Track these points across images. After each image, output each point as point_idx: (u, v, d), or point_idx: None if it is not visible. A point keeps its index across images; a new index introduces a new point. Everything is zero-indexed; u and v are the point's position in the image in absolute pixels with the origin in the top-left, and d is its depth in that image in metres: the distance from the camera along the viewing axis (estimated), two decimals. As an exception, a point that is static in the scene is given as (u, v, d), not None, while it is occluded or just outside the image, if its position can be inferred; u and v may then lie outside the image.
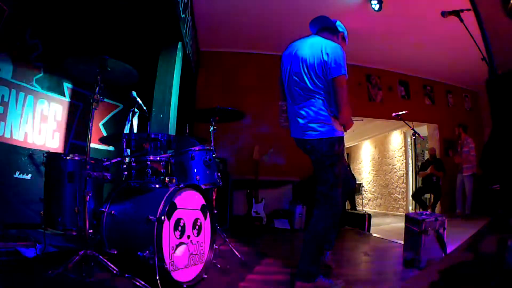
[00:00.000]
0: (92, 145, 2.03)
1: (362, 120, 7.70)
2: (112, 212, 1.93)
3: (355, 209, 7.38)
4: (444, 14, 2.57)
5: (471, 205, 5.42)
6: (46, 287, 1.57)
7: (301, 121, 1.89)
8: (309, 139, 1.86)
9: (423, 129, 6.93)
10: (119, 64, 1.87)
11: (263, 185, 5.05)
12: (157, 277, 1.62)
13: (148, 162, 2.20)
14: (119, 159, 2.15)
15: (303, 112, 1.89)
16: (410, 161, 7.95)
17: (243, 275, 2.13)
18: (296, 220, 4.81)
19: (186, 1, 3.68)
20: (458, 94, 7.08)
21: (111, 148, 3.71)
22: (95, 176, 1.83)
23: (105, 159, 2.06)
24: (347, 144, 10.36)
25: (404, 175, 8.06)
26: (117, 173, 2.19)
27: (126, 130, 2.52)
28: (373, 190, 9.81)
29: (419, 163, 6.69)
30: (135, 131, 2.54)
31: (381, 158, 9.36)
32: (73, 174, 1.97)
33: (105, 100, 2.63)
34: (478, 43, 2.11)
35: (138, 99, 2.49)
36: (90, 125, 1.85)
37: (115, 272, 1.72)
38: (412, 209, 7.03)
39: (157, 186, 2.03)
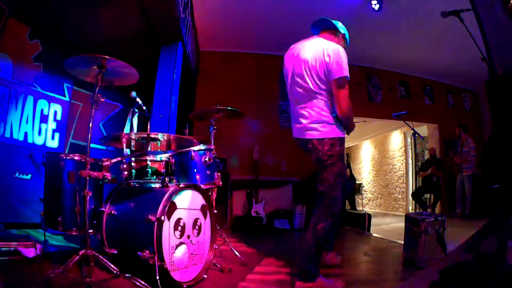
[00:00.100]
0: (92, 145, 2.03)
1: (364, 121, 7.71)
2: (112, 212, 1.93)
3: (355, 209, 7.38)
4: (444, 14, 2.57)
5: (471, 205, 5.42)
6: (46, 287, 1.57)
7: (303, 121, 1.91)
8: (310, 138, 1.88)
9: (423, 129, 6.93)
10: (119, 64, 1.87)
11: (263, 185, 5.05)
12: (157, 277, 1.62)
13: (148, 162, 2.20)
14: (119, 159, 2.15)
15: (305, 113, 1.90)
16: (410, 161, 7.95)
17: (243, 275, 2.13)
18: (296, 220, 4.81)
19: (186, 1, 3.68)
20: (458, 94, 7.08)
21: (111, 148, 3.71)
22: (95, 176, 1.83)
23: (105, 159, 2.06)
24: (347, 144, 10.33)
25: (404, 175, 8.06)
26: (117, 173, 2.19)
27: (126, 130, 2.52)
28: (373, 190, 9.81)
29: (419, 163, 6.68)
30: (135, 131, 2.54)
31: (381, 158, 9.36)
32: (73, 174, 1.97)
33: (105, 100, 2.60)
34: (478, 43, 2.10)
35: (138, 99, 2.49)
36: (90, 125, 1.85)
37: (115, 272, 1.72)
38: (412, 209, 7.03)
39: (157, 186, 2.03)
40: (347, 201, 6.63)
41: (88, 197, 1.77)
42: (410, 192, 7.21)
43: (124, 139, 2.28)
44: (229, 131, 5.07)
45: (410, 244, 2.45)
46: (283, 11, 4.55)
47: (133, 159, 2.20)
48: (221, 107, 2.63)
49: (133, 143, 2.32)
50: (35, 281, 1.59)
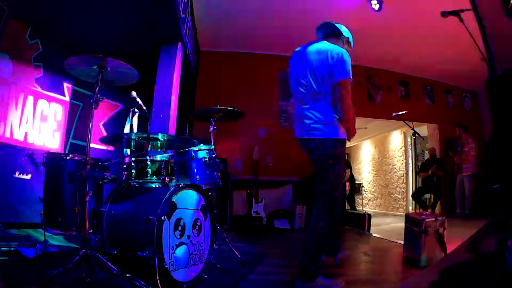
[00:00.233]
0: (92, 145, 2.03)
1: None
2: (112, 212, 1.93)
3: (355, 209, 7.38)
4: (444, 14, 2.57)
5: (471, 205, 5.42)
6: (46, 287, 1.57)
7: (306, 121, 1.94)
8: (313, 138, 1.91)
9: (423, 129, 6.93)
10: (119, 64, 1.87)
11: (263, 185, 5.04)
12: (157, 277, 1.62)
13: (148, 162, 2.20)
14: (119, 159, 2.15)
15: (309, 114, 1.94)
16: (410, 161, 7.95)
17: (243, 275, 2.13)
18: (296, 220, 4.81)
19: (186, 1, 3.68)
20: (458, 94, 7.08)
21: (111, 148, 3.71)
22: (95, 176, 1.83)
23: (105, 159, 2.07)
24: (347, 143, 10.32)
25: (404, 175, 8.06)
26: (117, 173, 2.19)
27: (126, 130, 2.52)
28: (373, 190, 9.81)
29: (419, 163, 6.68)
30: (135, 131, 2.54)
31: (381, 158, 9.36)
32: (73, 174, 1.97)
33: (105, 100, 2.61)
34: (478, 43, 2.11)
35: (138, 99, 2.49)
36: (90, 125, 1.85)
37: (115, 272, 1.72)
38: (412, 209, 7.02)
39: (157, 186, 2.03)
40: (347, 201, 6.64)
41: (88, 197, 1.77)
42: (410, 192, 7.22)
43: (124, 139, 2.28)
44: (229, 131, 5.08)
45: (410, 244, 2.46)
46: (283, 11, 4.55)
47: (133, 159, 2.20)
48: (221, 107, 2.63)
49: (133, 143, 2.33)
50: (35, 281, 1.59)
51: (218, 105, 2.62)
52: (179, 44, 3.65)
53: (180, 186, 1.91)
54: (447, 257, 2.11)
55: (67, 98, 3.48)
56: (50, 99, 3.30)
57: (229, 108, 2.64)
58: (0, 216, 2.73)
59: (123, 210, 1.93)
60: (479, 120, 6.91)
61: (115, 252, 1.85)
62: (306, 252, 1.85)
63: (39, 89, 3.18)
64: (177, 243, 1.81)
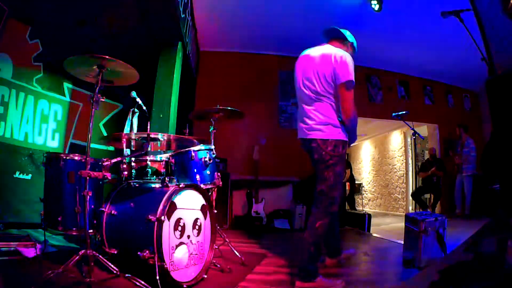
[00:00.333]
0: (92, 145, 2.03)
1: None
2: (112, 212, 1.93)
3: (355, 209, 7.37)
4: (444, 14, 2.57)
5: (471, 205, 5.41)
6: (46, 287, 1.57)
7: (309, 122, 1.97)
8: (315, 138, 1.93)
9: (423, 129, 6.93)
10: (119, 64, 1.87)
11: (263, 185, 5.04)
12: (157, 277, 1.62)
13: (148, 162, 2.20)
14: (119, 159, 2.15)
15: (311, 114, 1.97)
16: (410, 161, 7.95)
17: (243, 275, 2.13)
18: (296, 220, 4.80)
19: (186, 1, 3.68)
20: (458, 94, 7.08)
21: (111, 148, 3.71)
22: (95, 176, 1.83)
23: (105, 159, 2.06)
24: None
25: (404, 175, 8.06)
26: (117, 173, 2.19)
27: (126, 130, 2.52)
28: (373, 190, 9.81)
29: (419, 163, 6.68)
30: (135, 131, 2.54)
31: (381, 158, 9.36)
32: (73, 174, 1.97)
33: (105, 100, 2.59)
34: (478, 43, 2.11)
35: (138, 99, 2.48)
36: (90, 125, 1.85)
37: (115, 272, 1.72)
38: (412, 209, 7.02)
39: (157, 186, 2.03)
40: (346, 201, 6.63)
41: (88, 197, 1.77)
42: (410, 192, 7.21)
43: (124, 139, 2.28)
44: (229, 131, 5.07)
45: (410, 244, 2.45)
46: (283, 11, 4.55)
47: (133, 159, 2.20)
48: (221, 107, 2.63)
49: (133, 143, 2.33)
50: (35, 281, 1.58)
51: (218, 105, 2.63)
52: (179, 44, 3.65)
53: (180, 186, 1.91)
54: (447, 257, 2.11)
55: (67, 98, 3.48)
56: (50, 99, 3.30)
57: (229, 108, 2.64)
58: (0, 216, 2.73)
59: (123, 210, 1.93)
60: (479, 120, 6.90)
61: (115, 252, 1.85)
62: (305, 251, 1.86)
63: (39, 89, 3.18)
64: (177, 243, 1.81)
